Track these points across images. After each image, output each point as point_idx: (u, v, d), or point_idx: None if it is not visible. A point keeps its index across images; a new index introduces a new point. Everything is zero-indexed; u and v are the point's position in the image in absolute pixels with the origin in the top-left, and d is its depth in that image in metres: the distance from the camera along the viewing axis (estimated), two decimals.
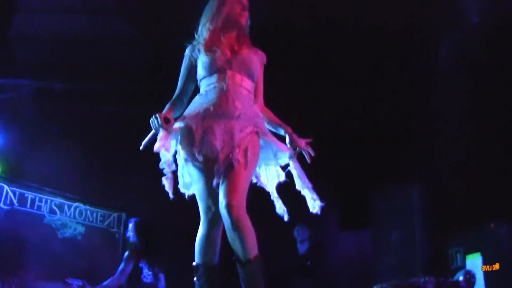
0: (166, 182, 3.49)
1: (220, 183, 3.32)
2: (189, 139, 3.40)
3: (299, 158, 3.69)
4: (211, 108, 3.44)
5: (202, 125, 3.40)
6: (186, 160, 3.44)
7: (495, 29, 6.37)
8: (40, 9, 7.10)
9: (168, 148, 3.41)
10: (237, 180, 3.30)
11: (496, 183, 6.93)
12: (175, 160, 3.57)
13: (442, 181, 8.55)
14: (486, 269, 6.57)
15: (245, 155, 3.36)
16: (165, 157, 3.47)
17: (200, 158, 3.34)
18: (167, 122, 3.41)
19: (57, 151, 8.27)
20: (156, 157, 3.51)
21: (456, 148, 8.18)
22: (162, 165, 3.49)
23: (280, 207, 3.70)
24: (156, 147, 3.37)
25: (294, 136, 3.69)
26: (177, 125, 3.47)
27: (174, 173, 3.57)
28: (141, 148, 3.49)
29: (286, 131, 3.72)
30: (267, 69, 3.87)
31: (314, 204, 3.62)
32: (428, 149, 8.48)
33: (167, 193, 3.51)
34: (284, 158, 3.64)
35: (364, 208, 8.79)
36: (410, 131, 8.31)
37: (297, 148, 3.65)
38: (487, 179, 7.23)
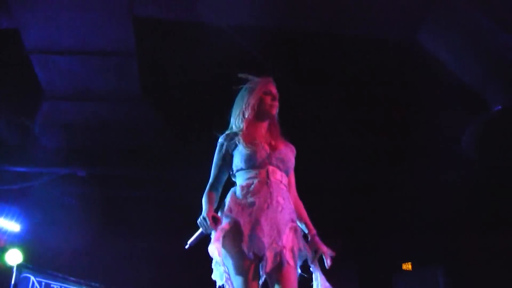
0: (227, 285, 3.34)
1: (270, 282, 3.35)
2: (237, 234, 3.36)
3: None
4: (257, 202, 3.44)
5: (249, 220, 3.38)
6: (227, 255, 3.36)
7: None
8: (65, 97, 7.26)
9: (220, 249, 3.35)
10: (290, 280, 3.36)
11: None
12: None
13: (468, 261, 8.45)
14: None
15: (293, 256, 3.42)
16: (217, 259, 3.35)
17: (251, 255, 3.30)
18: (216, 222, 3.35)
19: (79, 237, 8.28)
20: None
21: (481, 227, 8.12)
22: (215, 266, 3.41)
23: None
24: (211, 251, 3.32)
25: (317, 239, 3.63)
26: (225, 221, 3.42)
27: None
28: (187, 247, 3.45)
29: (309, 233, 3.68)
30: None
31: None
32: (451, 231, 8.43)
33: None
34: (305, 258, 3.62)
35: None
36: (433, 213, 8.26)
37: (317, 252, 3.58)
38: None
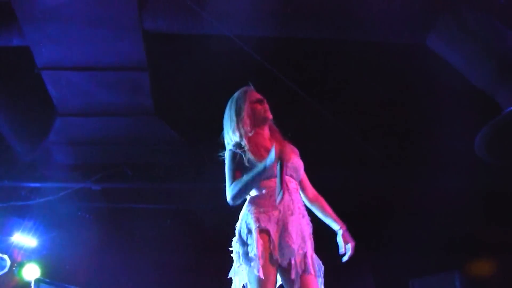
0: None
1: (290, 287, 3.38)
2: (267, 242, 3.39)
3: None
4: (281, 210, 3.48)
5: (277, 228, 3.43)
6: (257, 260, 3.34)
7: None
8: (77, 113, 7.30)
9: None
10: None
11: None
12: None
13: (484, 265, 8.40)
14: None
15: (313, 264, 3.47)
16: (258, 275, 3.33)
17: (284, 263, 3.36)
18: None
19: (96, 251, 8.32)
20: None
21: (497, 230, 8.08)
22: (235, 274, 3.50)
23: None
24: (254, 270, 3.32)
25: (347, 234, 3.72)
26: (256, 233, 3.41)
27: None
28: (279, 198, 3.42)
29: (341, 228, 3.74)
30: None
31: None
32: (467, 235, 8.39)
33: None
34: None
35: None
36: (448, 218, 8.24)
37: (346, 245, 3.66)
38: None
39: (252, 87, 3.91)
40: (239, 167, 3.62)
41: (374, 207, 8.62)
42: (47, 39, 6.13)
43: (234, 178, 3.59)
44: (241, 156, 3.62)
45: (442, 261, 8.37)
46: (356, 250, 3.67)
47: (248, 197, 3.65)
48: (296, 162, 3.74)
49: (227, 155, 3.70)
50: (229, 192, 3.54)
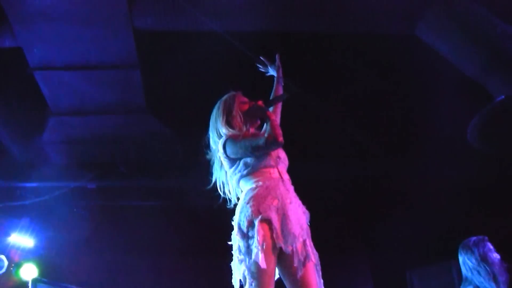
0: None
1: (289, 278, 3.41)
2: (270, 231, 3.39)
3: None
4: (279, 199, 3.51)
5: (278, 216, 3.44)
6: (259, 251, 3.32)
7: None
8: (71, 112, 7.31)
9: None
10: (314, 276, 3.43)
11: None
12: None
13: None
14: None
15: (313, 251, 3.49)
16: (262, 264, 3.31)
17: (288, 250, 3.37)
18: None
19: (92, 249, 8.33)
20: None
21: (493, 218, 8.08)
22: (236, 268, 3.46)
23: None
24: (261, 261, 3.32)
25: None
26: (259, 225, 3.39)
27: None
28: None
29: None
30: None
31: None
32: (463, 224, 8.39)
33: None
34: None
35: None
36: (445, 208, 8.26)
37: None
38: None
39: (238, 92, 3.95)
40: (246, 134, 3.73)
41: (370, 199, 8.63)
42: (39, 40, 6.15)
43: (255, 135, 3.73)
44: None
45: (438, 251, 8.39)
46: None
47: (244, 191, 3.66)
48: (284, 154, 3.82)
49: (228, 141, 3.68)
50: (268, 138, 3.54)
